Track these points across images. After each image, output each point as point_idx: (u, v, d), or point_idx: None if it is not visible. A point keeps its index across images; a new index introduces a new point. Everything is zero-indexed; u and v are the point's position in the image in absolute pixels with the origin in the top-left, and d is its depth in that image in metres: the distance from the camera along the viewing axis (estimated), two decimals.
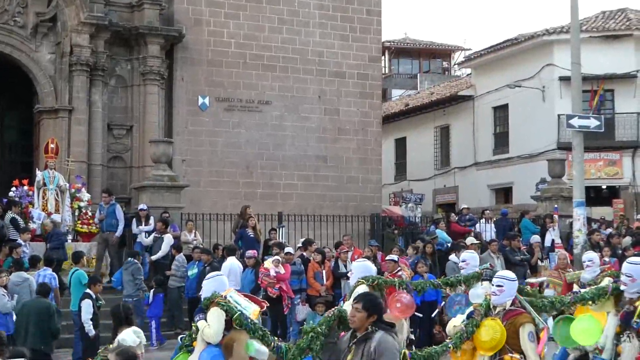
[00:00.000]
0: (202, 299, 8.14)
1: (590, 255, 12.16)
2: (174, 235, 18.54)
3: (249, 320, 7.67)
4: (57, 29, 21.92)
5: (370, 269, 10.01)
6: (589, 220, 21.67)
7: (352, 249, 18.03)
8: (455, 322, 9.46)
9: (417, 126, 36.68)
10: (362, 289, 9.73)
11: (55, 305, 13.02)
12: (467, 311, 8.03)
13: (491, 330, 7.30)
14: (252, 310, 7.87)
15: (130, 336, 7.80)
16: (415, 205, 26.64)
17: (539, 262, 18.77)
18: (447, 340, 7.76)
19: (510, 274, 7.79)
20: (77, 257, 15.56)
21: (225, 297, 7.80)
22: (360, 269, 9.86)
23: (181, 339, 8.30)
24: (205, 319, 7.78)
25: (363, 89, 26.04)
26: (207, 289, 8.10)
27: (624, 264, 8.19)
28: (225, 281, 8.28)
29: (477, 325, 7.54)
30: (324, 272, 16.31)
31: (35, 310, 12.02)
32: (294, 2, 25.03)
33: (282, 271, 15.38)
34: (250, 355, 7.62)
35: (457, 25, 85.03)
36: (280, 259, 15.75)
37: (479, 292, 8.09)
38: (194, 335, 7.86)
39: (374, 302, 6.19)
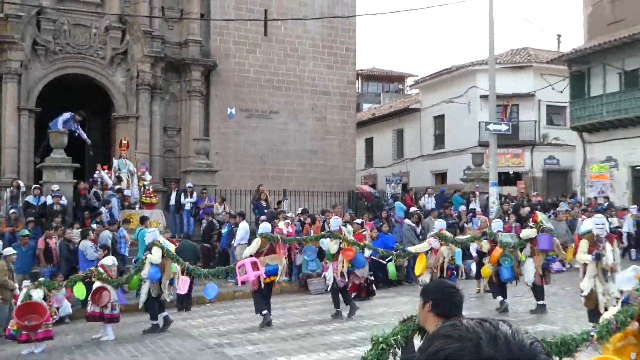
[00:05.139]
0: (147, 243, 10.89)
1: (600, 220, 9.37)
2: (209, 205, 18.59)
3: (172, 253, 10.37)
4: (128, 59, 21.78)
5: (268, 228, 11.10)
6: (500, 196, 21.82)
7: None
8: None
9: (380, 130, 36.72)
10: (256, 241, 10.50)
11: (196, 244, 14.92)
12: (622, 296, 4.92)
13: None
14: (172, 248, 10.86)
15: (107, 259, 10.80)
16: (396, 185, 26.71)
17: (465, 225, 18.93)
18: (590, 328, 4.94)
19: None
20: (143, 219, 15.63)
21: (160, 241, 10.63)
22: (262, 228, 11.04)
23: (134, 261, 11.61)
24: (151, 253, 10.40)
25: (343, 103, 25.99)
26: (148, 238, 10.80)
27: None
28: (157, 233, 11.02)
29: (632, 316, 4.50)
30: (312, 231, 16.45)
31: (190, 247, 13.96)
32: (295, 42, 24.90)
33: (291, 230, 15.49)
34: (172, 272, 10.29)
35: (409, 57, 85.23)
36: (290, 221, 15.93)
37: (628, 276, 5.11)
38: (144, 261, 10.49)
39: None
